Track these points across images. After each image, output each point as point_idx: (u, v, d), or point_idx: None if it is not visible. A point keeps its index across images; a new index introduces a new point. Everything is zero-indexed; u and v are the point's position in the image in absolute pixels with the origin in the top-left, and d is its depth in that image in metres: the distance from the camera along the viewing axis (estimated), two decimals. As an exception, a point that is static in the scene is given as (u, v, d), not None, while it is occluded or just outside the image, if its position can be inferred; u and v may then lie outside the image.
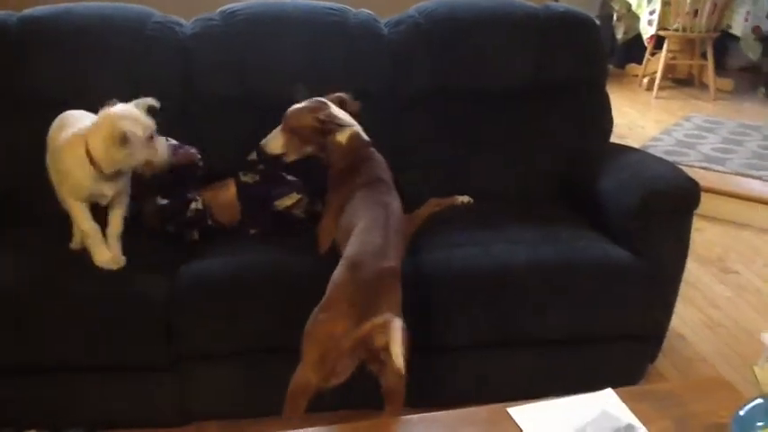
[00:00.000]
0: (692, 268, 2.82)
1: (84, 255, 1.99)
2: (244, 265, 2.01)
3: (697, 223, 2.28)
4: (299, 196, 2.19)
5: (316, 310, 1.62)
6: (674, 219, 2.11)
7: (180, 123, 2.36)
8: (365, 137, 2.14)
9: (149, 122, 1.90)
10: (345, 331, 1.55)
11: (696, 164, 3.93)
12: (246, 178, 2.23)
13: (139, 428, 2.06)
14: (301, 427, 1.47)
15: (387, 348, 1.56)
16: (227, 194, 2.21)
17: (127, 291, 1.94)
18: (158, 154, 1.91)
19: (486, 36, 2.52)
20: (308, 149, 2.13)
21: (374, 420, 1.58)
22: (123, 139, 1.80)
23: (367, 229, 1.80)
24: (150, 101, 1.94)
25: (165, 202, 2.16)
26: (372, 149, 2.13)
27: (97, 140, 1.86)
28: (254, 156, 2.27)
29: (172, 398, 2.04)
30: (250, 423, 2.07)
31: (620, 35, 5.78)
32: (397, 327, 1.49)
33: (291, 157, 2.14)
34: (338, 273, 1.67)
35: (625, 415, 1.45)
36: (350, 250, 1.73)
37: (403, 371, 1.49)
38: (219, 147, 2.38)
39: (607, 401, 1.50)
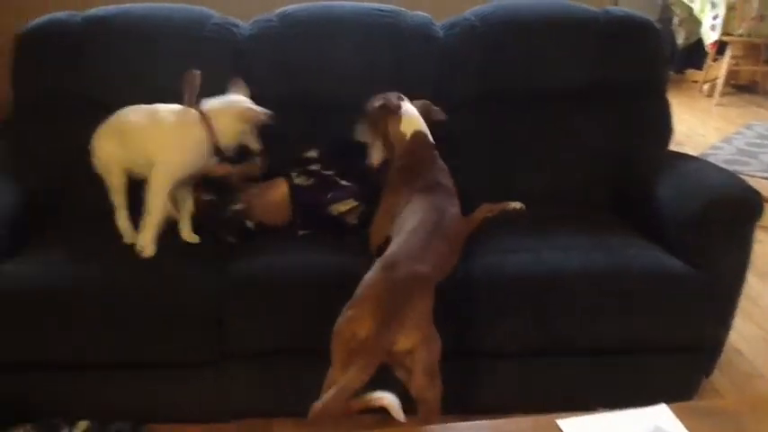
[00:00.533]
0: (751, 281, 2.72)
1: (130, 252, 2.04)
2: (292, 264, 2.02)
3: (758, 235, 2.20)
4: (356, 203, 2.18)
5: (345, 307, 1.61)
6: (735, 230, 2.04)
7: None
8: (430, 139, 2.13)
9: (265, 114, 2.10)
10: (369, 331, 1.54)
11: (758, 174, 3.80)
12: (300, 180, 2.22)
13: (184, 423, 2.10)
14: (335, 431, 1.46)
15: (411, 352, 1.56)
16: (276, 194, 2.22)
17: (176, 287, 1.97)
18: (255, 144, 2.14)
19: (542, 40, 2.49)
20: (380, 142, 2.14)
21: (412, 427, 1.56)
22: (250, 117, 2.09)
23: (412, 232, 1.78)
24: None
25: (210, 197, 2.19)
26: (436, 153, 2.12)
27: (224, 116, 2.08)
28: (311, 153, 2.30)
29: (214, 394, 2.07)
30: (292, 422, 2.09)
31: (680, 40, 5.65)
32: (380, 400, 1.48)
33: (375, 156, 2.15)
34: (372, 272, 1.66)
35: (679, 432, 1.41)
36: (388, 251, 1.73)
37: (401, 416, 1.47)
38: (274, 147, 2.39)
39: (660, 417, 1.45)
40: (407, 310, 1.57)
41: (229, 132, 2.09)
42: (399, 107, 2.10)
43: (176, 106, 2.13)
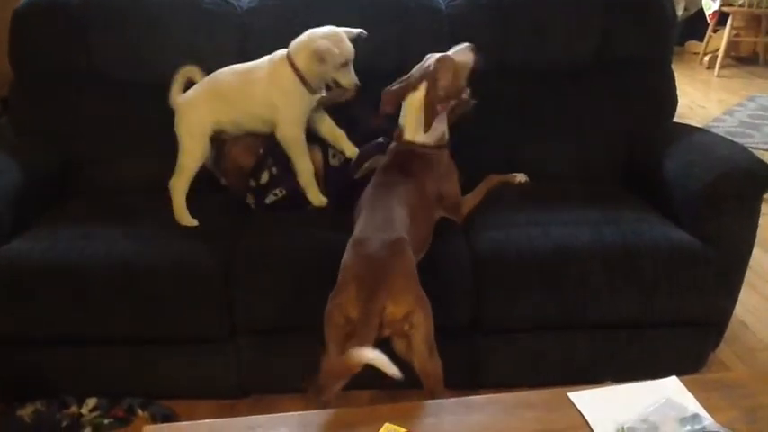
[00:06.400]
0: (756, 254, 2.72)
1: (136, 228, 2.04)
2: (301, 241, 2.01)
3: (762, 208, 2.19)
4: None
5: (330, 294, 1.62)
6: (743, 203, 2.03)
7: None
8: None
9: (349, 49, 2.08)
10: (360, 311, 1.55)
11: (761, 146, 3.79)
12: (334, 161, 2.26)
13: (194, 399, 2.10)
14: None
15: (408, 317, 1.57)
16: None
17: (184, 262, 1.95)
18: (347, 80, 2.10)
19: (547, 11, 2.46)
20: None
21: (423, 402, 1.55)
22: (320, 57, 2.03)
23: (368, 211, 1.80)
24: (358, 31, 2.13)
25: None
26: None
27: (300, 56, 2.09)
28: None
29: (230, 370, 2.06)
30: (301, 399, 2.06)
31: (680, 11, 5.58)
32: (364, 356, 1.44)
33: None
34: (345, 254, 1.68)
35: (691, 404, 1.41)
36: (354, 231, 1.74)
37: (398, 374, 1.43)
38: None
39: (671, 389, 1.46)
40: (390, 275, 1.58)
41: (307, 71, 2.08)
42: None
43: (264, 59, 2.16)
